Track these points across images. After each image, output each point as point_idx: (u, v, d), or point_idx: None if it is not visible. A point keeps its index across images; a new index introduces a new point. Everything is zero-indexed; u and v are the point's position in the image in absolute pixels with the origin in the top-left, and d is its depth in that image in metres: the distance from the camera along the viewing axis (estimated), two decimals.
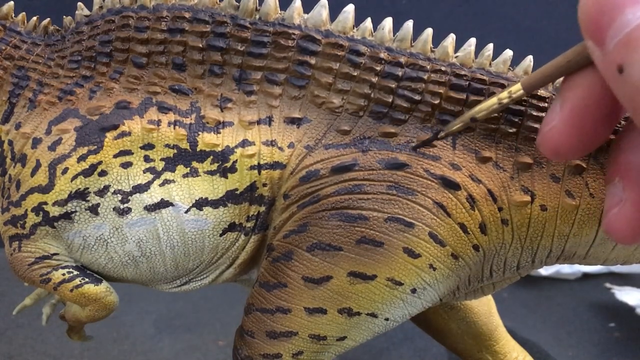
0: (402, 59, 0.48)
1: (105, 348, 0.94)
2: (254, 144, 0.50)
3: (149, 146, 0.50)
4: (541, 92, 0.48)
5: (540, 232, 0.49)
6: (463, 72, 0.48)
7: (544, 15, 1.15)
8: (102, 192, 0.50)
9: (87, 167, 0.50)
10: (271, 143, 0.50)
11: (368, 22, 0.50)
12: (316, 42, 0.49)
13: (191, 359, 0.93)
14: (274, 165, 0.50)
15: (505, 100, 0.27)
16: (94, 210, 0.50)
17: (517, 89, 0.27)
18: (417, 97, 0.48)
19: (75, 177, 0.50)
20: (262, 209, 0.51)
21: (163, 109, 0.51)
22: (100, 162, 0.50)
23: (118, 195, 0.50)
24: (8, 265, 0.55)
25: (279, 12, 0.50)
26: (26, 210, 0.52)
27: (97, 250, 0.52)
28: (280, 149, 0.50)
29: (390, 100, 0.49)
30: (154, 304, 1.07)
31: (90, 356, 0.92)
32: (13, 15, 0.57)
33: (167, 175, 0.50)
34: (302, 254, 0.49)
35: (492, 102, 0.27)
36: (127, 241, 0.51)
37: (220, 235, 0.51)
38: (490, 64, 0.49)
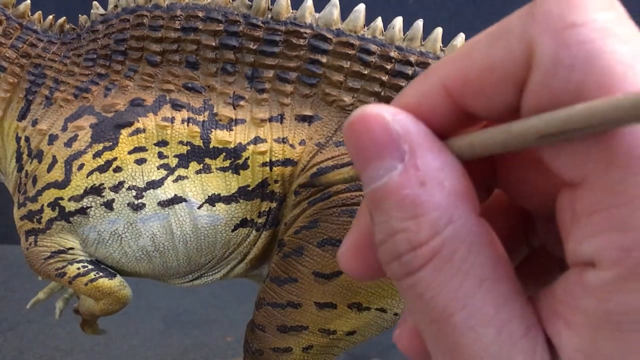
0: (412, 58, 0.49)
1: (115, 343, 0.95)
2: (266, 141, 0.50)
3: (162, 143, 0.51)
4: None
5: None
6: None
7: None
8: (117, 188, 0.51)
9: (103, 163, 0.51)
10: (282, 140, 0.51)
11: (379, 22, 0.50)
12: (327, 40, 0.50)
13: (200, 355, 0.94)
14: (285, 162, 0.51)
15: (351, 174, 0.26)
16: (108, 205, 0.51)
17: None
18: None
19: (90, 173, 0.51)
20: (274, 205, 0.52)
21: (177, 106, 0.52)
22: (115, 159, 0.51)
23: (132, 191, 0.51)
24: (19, 262, 0.56)
25: (291, 11, 0.51)
26: (42, 205, 0.53)
27: (111, 245, 0.53)
28: (292, 146, 0.51)
29: None
30: (163, 301, 1.08)
31: (100, 351, 0.93)
32: (29, 13, 0.58)
33: (181, 171, 0.51)
34: (313, 249, 0.50)
35: (344, 172, 0.27)
36: (141, 236, 0.52)
37: (232, 230, 0.52)
38: None
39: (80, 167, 0.51)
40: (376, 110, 0.18)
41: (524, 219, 0.23)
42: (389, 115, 0.18)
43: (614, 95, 0.15)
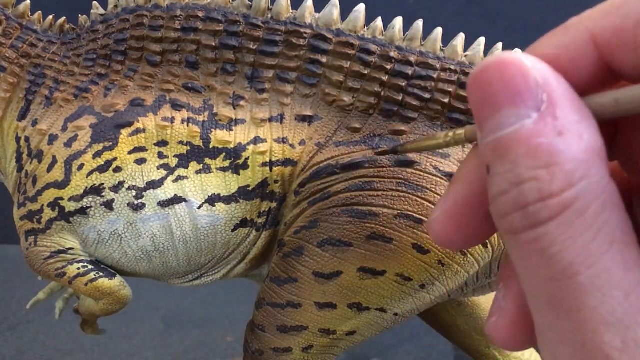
0: (412, 58, 0.49)
1: (115, 343, 0.95)
2: (266, 141, 0.51)
3: (162, 143, 0.51)
4: None
5: None
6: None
7: (552, 14, 1.16)
8: (116, 188, 0.51)
9: (103, 163, 0.51)
10: (282, 140, 0.51)
11: (379, 22, 0.50)
12: (327, 41, 0.50)
13: (200, 355, 0.94)
14: (285, 162, 0.51)
15: (448, 139, 0.25)
16: (108, 205, 0.51)
17: (460, 133, 0.25)
18: (427, 96, 0.49)
19: (90, 173, 0.51)
20: (274, 205, 0.52)
21: (176, 106, 0.52)
22: (115, 159, 0.51)
23: (132, 191, 0.51)
24: (19, 262, 0.56)
25: (291, 11, 0.51)
26: (42, 205, 0.53)
27: (111, 245, 0.53)
28: (292, 146, 0.51)
29: (400, 98, 0.49)
30: (163, 300, 1.08)
31: (100, 351, 0.93)
32: (29, 13, 0.58)
33: (181, 171, 0.51)
34: (313, 249, 0.50)
35: (439, 138, 0.26)
36: (141, 236, 0.52)
37: (232, 230, 0.52)
38: None
39: (80, 167, 0.51)
40: (516, 56, 0.17)
41: (626, 202, 0.23)
42: (529, 63, 0.17)
43: None
